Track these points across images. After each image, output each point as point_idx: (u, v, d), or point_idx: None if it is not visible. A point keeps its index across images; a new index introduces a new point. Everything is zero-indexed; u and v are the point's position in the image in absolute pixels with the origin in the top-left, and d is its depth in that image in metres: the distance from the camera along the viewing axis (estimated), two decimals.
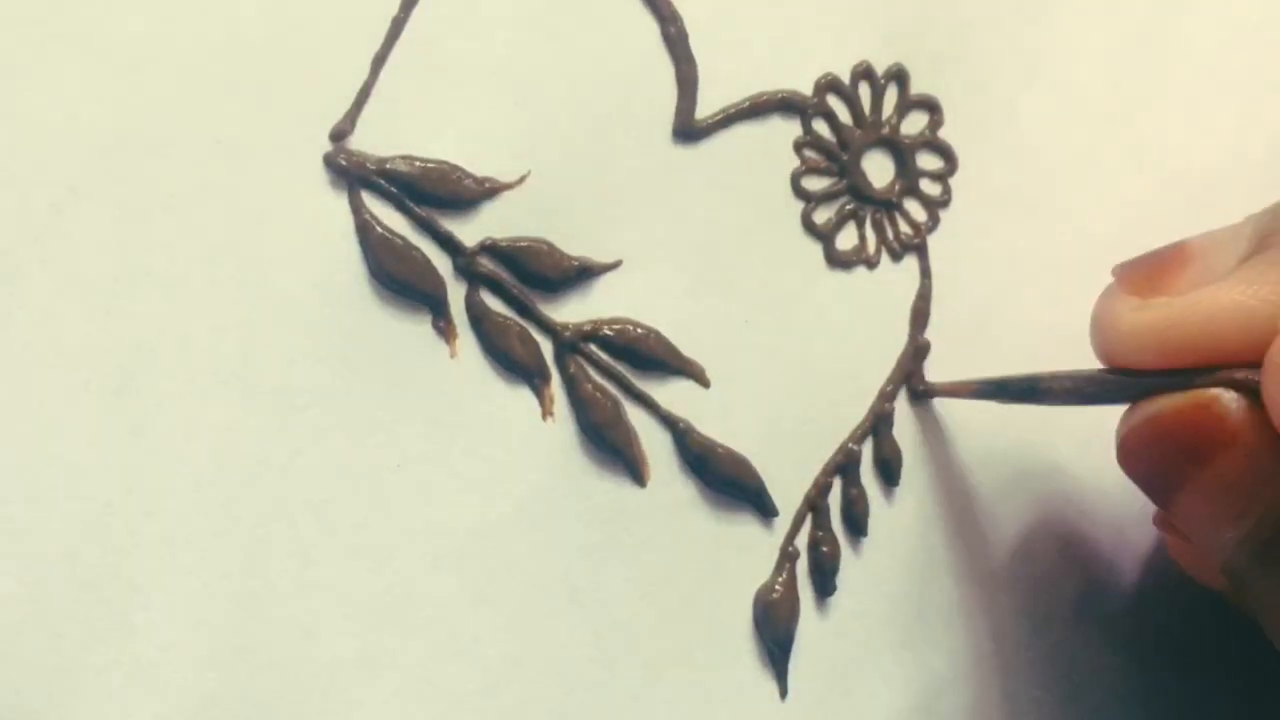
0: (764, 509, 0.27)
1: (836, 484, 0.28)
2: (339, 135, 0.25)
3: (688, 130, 0.27)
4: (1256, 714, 0.32)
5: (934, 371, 0.29)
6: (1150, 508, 0.27)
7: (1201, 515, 0.23)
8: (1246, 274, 0.23)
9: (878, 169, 0.29)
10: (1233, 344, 0.22)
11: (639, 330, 0.27)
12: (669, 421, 0.27)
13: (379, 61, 0.25)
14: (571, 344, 0.26)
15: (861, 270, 0.28)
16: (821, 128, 0.28)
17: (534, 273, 0.26)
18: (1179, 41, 0.30)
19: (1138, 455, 0.24)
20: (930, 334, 0.29)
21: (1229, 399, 0.22)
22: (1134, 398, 0.24)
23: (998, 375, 0.27)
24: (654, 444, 0.27)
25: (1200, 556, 0.26)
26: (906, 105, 0.29)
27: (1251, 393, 0.22)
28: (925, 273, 0.29)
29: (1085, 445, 0.30)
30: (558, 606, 0.26)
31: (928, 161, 0.29)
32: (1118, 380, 0.24)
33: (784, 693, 0.28)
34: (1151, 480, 0.24)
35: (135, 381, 0.23)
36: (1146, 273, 0.24)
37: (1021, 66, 0.29)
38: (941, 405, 0.29)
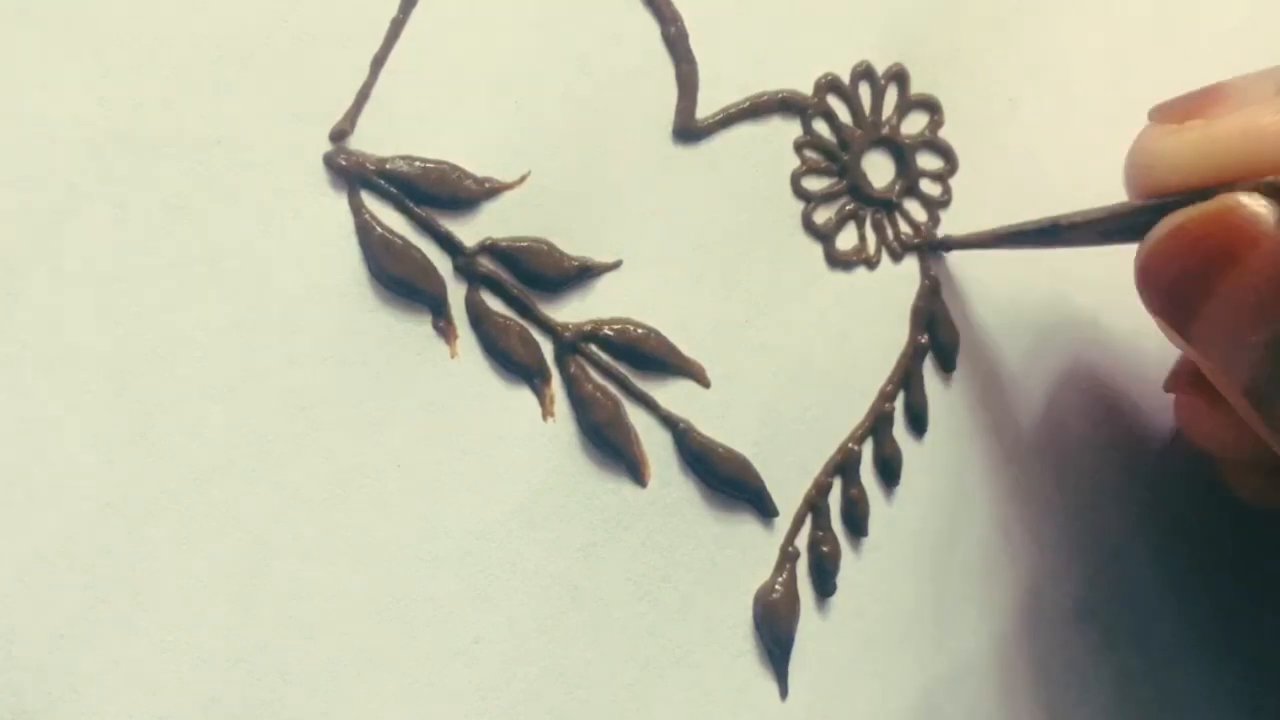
0: (764, 509, 0.27)
1: (836, 484, 0.28)
2: (339, 135, 0.25)
3: (688, 130, 0.27)
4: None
5: (934, 372, 0.29)
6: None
7: (1226, 328, 0.23)
8: None
9: (878, 169, 0.29)
10: (1269, 160, 0.22)
11: (639, 330, 0.27)
12: (669, 421, 0.27)
13: (379, 62, 0.25)
14: (572, 344, 0.26)
15: (862, 270, 0.28)
16: (822, 128, 0.28)
17: (534, 273, 0.26)
18: (1179, 41, 0.30)
19: (1159, 272, 0.23)
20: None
21: (1255, 201, 0.22)
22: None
23: (1016, 223, 0.27)
24: (654, 444, 0.27)
25: (1219, 395, 0.25)
26: (906, 105, 0.29)
27: (1278, 195, 0.22)
28: (925, 273, 0.29)
29: (1083, 439, 0.30)
30: (558, 606, 0.26)
31: (928, 161, 0.29)
32: (1145, 206, 0.24)
33: (784, 692, 0.28)
34: (1174, 298, 0.23)
35: (135, 382, 0.23)
36: (1183, 106, 0.24)
37: (1021, 66, 0.29)
38: (942, 400, 0.29)
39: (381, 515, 0.25)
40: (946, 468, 0.29)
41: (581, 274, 0.26)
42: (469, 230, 0.25)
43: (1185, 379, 0.28)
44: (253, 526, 0.24)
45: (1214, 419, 0.27)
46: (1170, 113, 0.24)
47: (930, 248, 0.29)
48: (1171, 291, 0.23)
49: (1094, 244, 0.25)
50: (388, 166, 0.25)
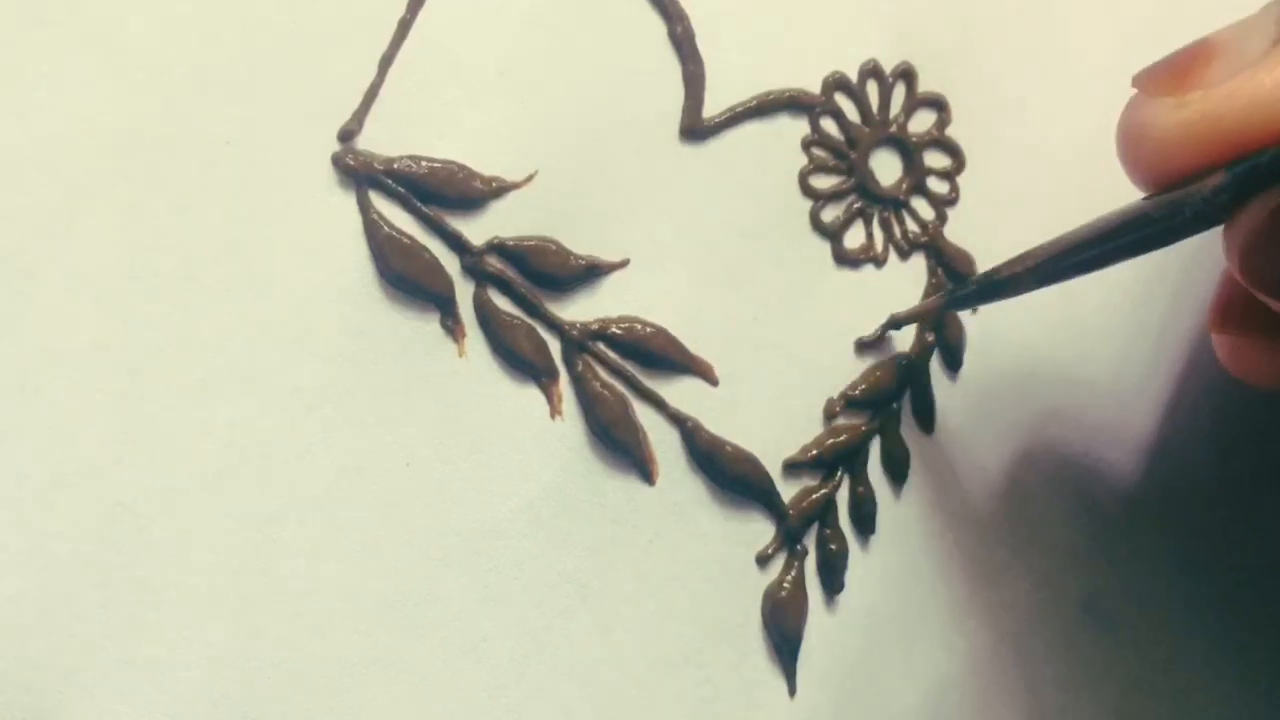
0: (772, 507, 0.27)
1: (845, 482, 0.28)
2: (347, 135, 0.25)
3: (695, 129, 0.27)
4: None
5: (941, 371, 0.29)
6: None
7: None
8: None
9: (885, 167, 0.29)
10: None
11: (647, 328, 0.27)
12: (677, 419, 0.27)
13: (386, 62, 0.25)
14: (579, 342, 0.26)
15: (869, 268, 0.28)
16: (829, 126, 0.28)
17: (542, 272, 0.26)
18: (1185, 39, 0.30)
19: (1271, 251, 0.21)
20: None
21: None
22: (1198, 212, 0.22)
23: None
24: (662, 442, 0.27)
25: (1270, 329, 0.24)
26: (914, 103, 0.29)
27: None
28: (932, 271, 0.29)
29: (1090, 437, 0.30)
30: (566, 605, 0.26)
31: (935, 160, 0.29)
32: (1166, 201, 0.22)
33: (793, 690, 0.28)
34: None
35: (144, 381, 0.24)
36: (1172, 72, 0.22)
37: (1029, 64, 0.29)
38: (949, 398, 0.29)
39: (390, 514, 0.25)
40: (953, 465, 0.29)
41: (589, 273, 0.26)
42: (476, 229, 0.26)
43: (1232, 317, 0.26)
44: (261, 525, 0.24)
45: (1267, 357, 0.26)
46: (1160, 80, 0.23)
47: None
48: None
49: (1083, 270, 0.24)
50: (395, 166, 0.25)
